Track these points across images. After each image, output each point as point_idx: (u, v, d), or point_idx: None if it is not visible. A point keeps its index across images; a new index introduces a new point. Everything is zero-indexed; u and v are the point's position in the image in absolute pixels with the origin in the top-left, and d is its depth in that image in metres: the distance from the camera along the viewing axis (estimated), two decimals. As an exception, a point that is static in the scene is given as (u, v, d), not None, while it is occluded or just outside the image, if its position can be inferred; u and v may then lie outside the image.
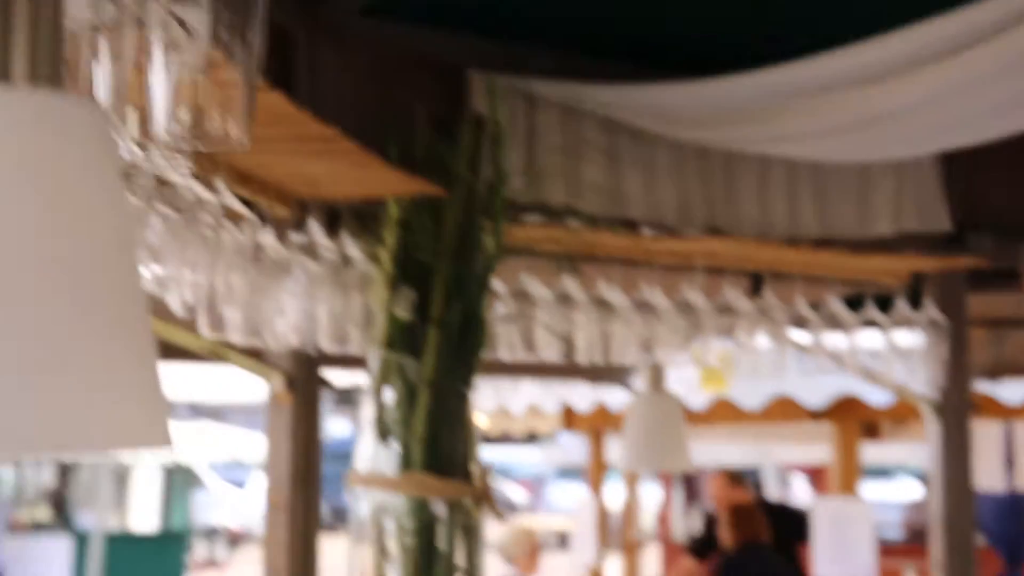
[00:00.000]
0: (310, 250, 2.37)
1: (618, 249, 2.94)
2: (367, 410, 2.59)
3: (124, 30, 1.19)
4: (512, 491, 23.89)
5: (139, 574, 11.76)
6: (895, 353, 3.39)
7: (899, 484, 20.44)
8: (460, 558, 2.58)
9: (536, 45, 2.96)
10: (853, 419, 6.21)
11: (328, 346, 2.44)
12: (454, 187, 2.54)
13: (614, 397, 6.01)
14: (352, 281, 2.47)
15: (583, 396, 6.54)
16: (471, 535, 2.60)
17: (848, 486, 6.40)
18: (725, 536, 7.34)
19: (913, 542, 10.70)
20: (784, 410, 6.11)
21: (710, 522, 7.86)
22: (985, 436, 5.98)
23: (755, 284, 3.23)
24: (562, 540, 13.74)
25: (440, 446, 2.53)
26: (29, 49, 0.88)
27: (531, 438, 24.24)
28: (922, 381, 3.50)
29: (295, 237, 2.36)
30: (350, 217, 2.51)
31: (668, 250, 2.96)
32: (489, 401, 6.83)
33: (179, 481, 15.09)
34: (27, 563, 9.11)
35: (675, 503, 15.94)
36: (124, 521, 14.52)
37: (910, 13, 2.41)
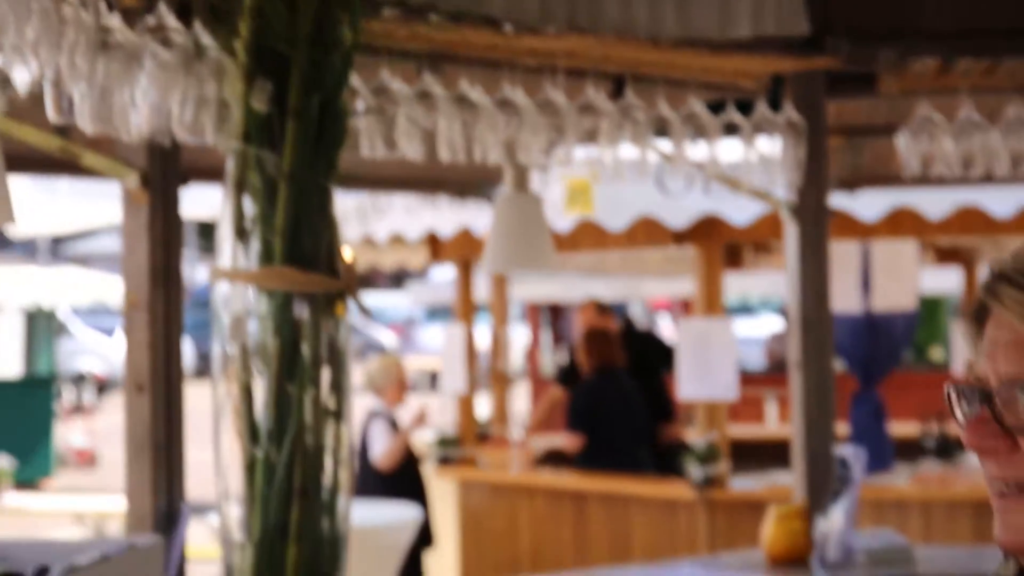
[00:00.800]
0: (161, 37, 2.30)
1: (480, 47, 2.90)
2: (227, 207, 2.55)
3: None
4: (381, 335, 23.99)
5: (6, 419, 11.62)
6: (755, 159, 3.44)
7: (762, 320, 20.96)
8: (325, 372, 2.57)
9: None
10: (716, 241, 6.30)
11: (183, 136, 2.39)
12: (309, -25, 2.47)
13: (479, 221, 6.02)
14: (206, 72, 2.40)
15: (448, 221, 6.53)
16: (336, 348, 2.59)
17: (712, 310, 6.53)
18: (581, 361, 7.48)
19: (774, 372, 11.02)
20: (648, 232, 6.18)
21: (576, 352, 7.99)
22: (842, 257, 6.12)
23: (617, 87, 3.23)
24: (433, 380, 13.86)
25: (302, 240, 2.51)
26: None
27: (399, 282, 24.30)
28: (781, 185, 3.56)
29: (145, 21, 2.29)
30: (203, 5, 2.43)
31: (529, 48, 2.94)
32: (353, 230, 6.80)
33: (42, 327, 14.85)
34: None
35: (543, 342, 16.15)
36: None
37: None
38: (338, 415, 2.56)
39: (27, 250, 20.25)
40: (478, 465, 7.53)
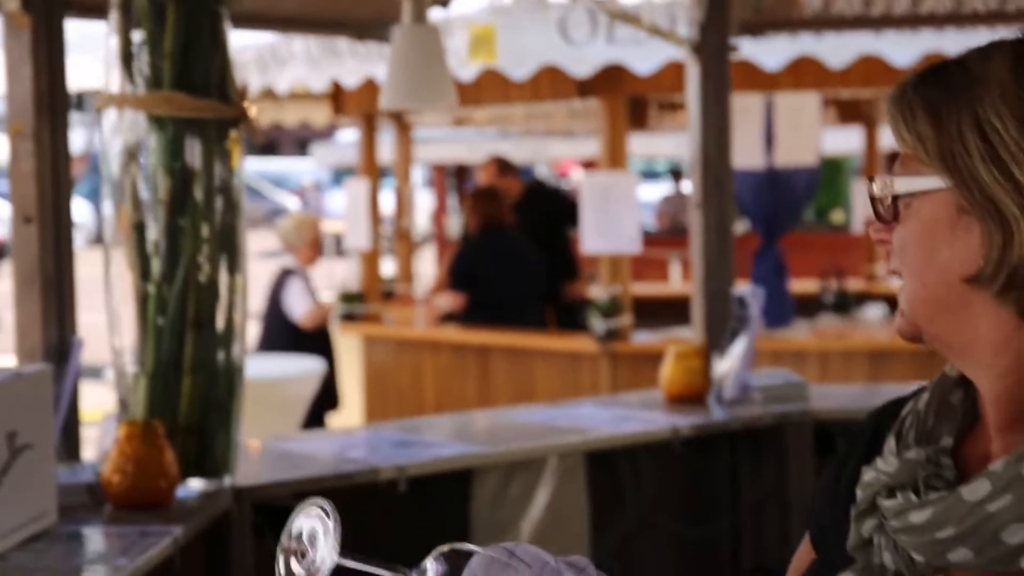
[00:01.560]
0: None
1: None
2: (113, 31, 2.46)
3: None
4: (286, 201, 23.78)
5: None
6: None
7: (667, 186, 21.03)
8: (219, 203, 2.51)
9: None
10: (620, 93, 6.27)
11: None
12: None
13: (383, 71, 5.92)
14: None
15: (351, 72, 6.42)
16: (229, 182, 2.53)
17: (616, 166, 6.52)
18: (468, 220, 7.47)
19: (677, 234, 11.08)
20: (552, 83, 6.13)
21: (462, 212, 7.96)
22: (745, 110, 6.12)
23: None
24: (339, 244, 13.78)
25: (192, 65, 2.44)
26: None
27: (303, 148, 24.02)
28: (683, 25, 3.52)
29: None
30: None
31: None
32: (254, 81, 6.66)
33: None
34: None
35: (449, 206, 16.12)
36: None
37: None
38: (232, 250, 2.52)
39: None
40: (383, 322, 7.53)
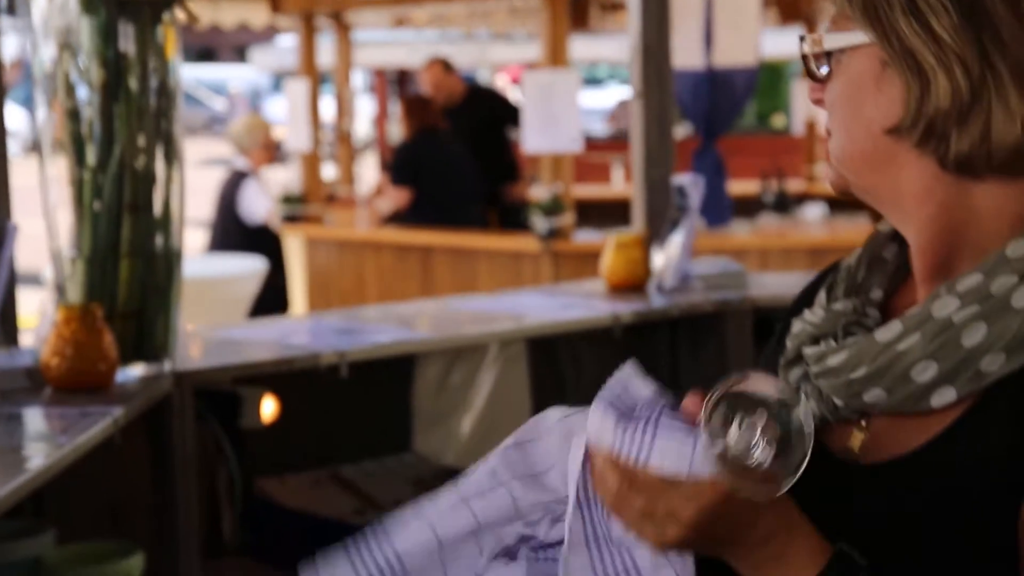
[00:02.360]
0: None
1: None
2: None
3: None
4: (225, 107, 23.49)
5: None
6: None
7: (609, 91, 21.00)
8: (153, 82, 2.48)
9: None
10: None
11: None
12: None
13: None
14: None
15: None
16: (164, 68, 2.49)
17: (557, 64, 6.49)
18: (403, 125, 7.46)
19: (619, 139, 11.07)
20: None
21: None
22: (684, 7, 6.10)
23: None
24: (280, 150, 13.65)
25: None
26: None
27: (242, 54, 23.65)
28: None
29: None
30: None
31: None
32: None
33: None
34: None
35: (391, 112, 15.99)
36: None
37: None
38: (168, 138, 2.49)
39: None
40: (324, 223, 7.50)
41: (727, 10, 6.49)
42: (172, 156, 2.49)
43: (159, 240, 2.45)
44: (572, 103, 6.43)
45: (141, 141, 2.43)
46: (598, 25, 9.40)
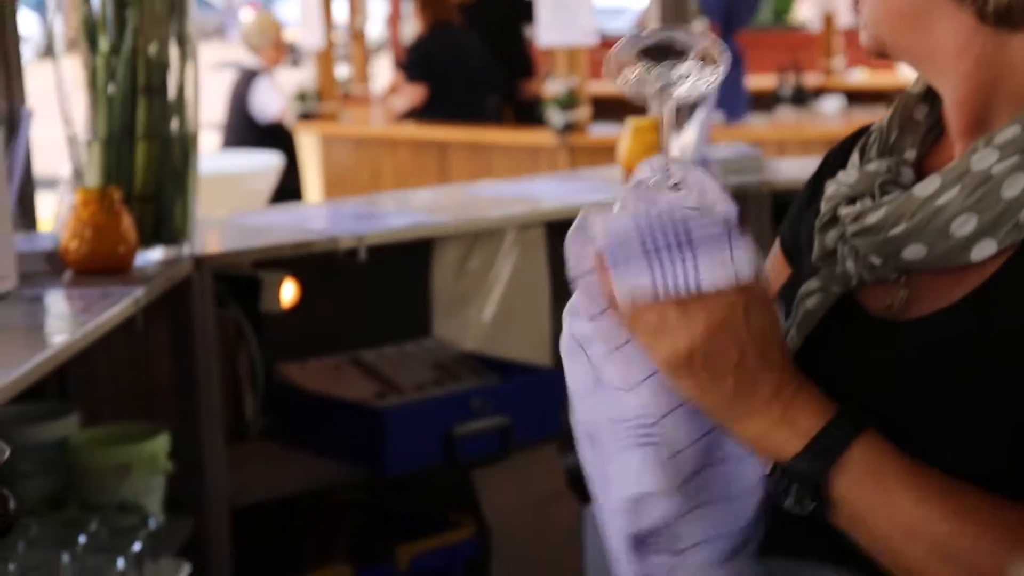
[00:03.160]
0: None
1: None
2: None
3: None
4: (239, 11, 23.31)
5: None
6: None
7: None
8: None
9: None
10: None
11: None
12: None
13: None
14: None
15: None
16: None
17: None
18: (417, 20, 7.39)
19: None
20: None
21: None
22: None
23: None
24: (293, 52, 13.57)
25: None
26: None
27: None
28: None
29: None
30: None
31: None
32: None
33: None
34: None
35: (404, 11, 15.84)
36: None
37: None
38: (181, 23, 2.47)
39: None
40: (340, 121, 7.47)
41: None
42: (185, 42, 2.48)
43: (174, 124, 2.44)
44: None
45: (153, 27, 2.42)
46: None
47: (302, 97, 7.42)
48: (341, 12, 8.69)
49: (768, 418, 1.02)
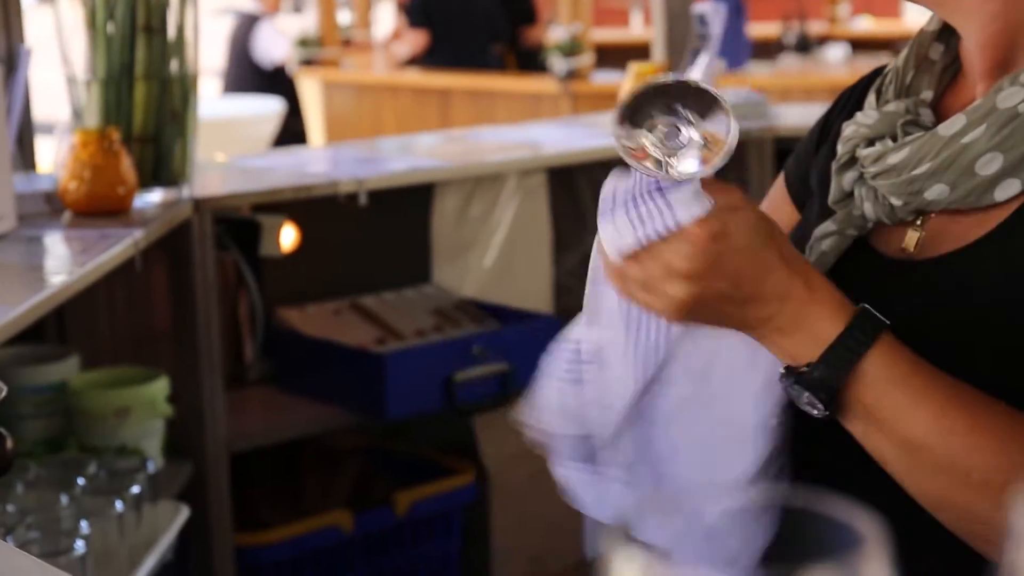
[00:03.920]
0: None
1: None
2: None
3: None
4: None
5: None
6: None
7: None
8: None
9: None
10: None
11: None
12: None
13: None
14: None
15: None
16: None
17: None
18: None
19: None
20: None
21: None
22: None
23: None
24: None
25: None
26: None
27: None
28: None
29: None
30: None
31: None
32: None
33: None
34: None
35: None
36: None
37: None
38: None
39: None
40: (341, 67, 7.42)
41: None
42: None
43: (174, 64, 2.42)
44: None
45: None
46: None
47: (304, 43, 7.37)
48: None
49: (782, 323, 1.00)
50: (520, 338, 2.82)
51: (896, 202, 1.11)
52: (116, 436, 2.30)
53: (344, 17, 9.19)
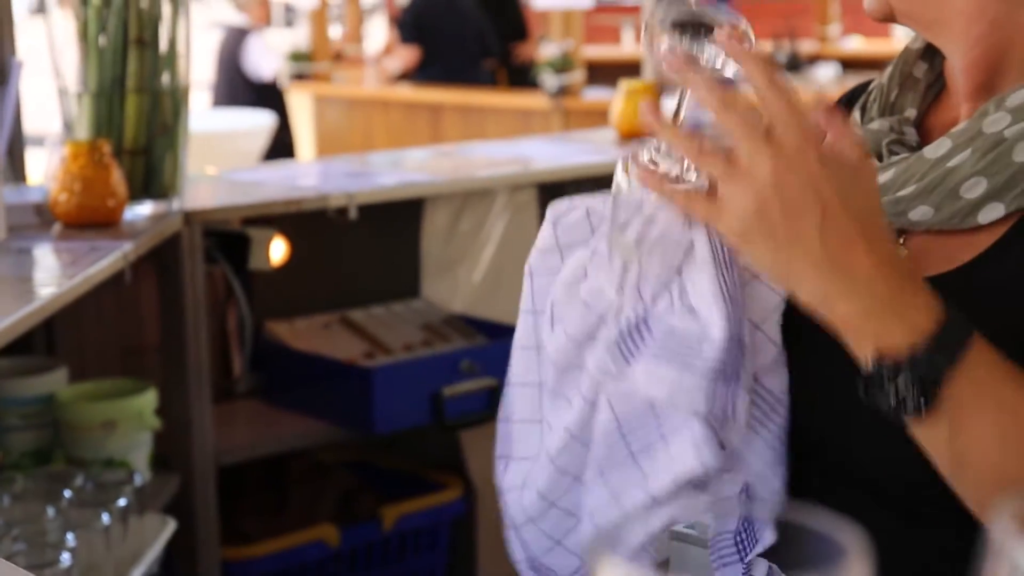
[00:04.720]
0: None
1: None
2: None
3: None
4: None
5: None
6: None
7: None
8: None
9: None
10: None
11: None
12: None
13: None
14: None
15: None
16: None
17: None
18: None
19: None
20: None
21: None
22: None
23: None
24: (287, 13, 13.49)
25: None
26: None
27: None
28: None
29: None
30: None
31: None
32: None
33: None
34: None
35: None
36: None
37: None
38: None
39: None
40: (333, 81, 7.43)
41: None
42: (177, -4, 2.46)
43: (166, 77, 2.42)
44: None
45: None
46: None
47: (295, 57, 7.38)
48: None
49: (870, 299, 0.92)
50: (509, 354, 2.82)
51: None
52: (103, 448, 2.29)
53: (336, 31, 9.21)
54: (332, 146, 7.15)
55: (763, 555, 1.02)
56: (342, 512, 2.84)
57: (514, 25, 7.85)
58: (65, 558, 1.80)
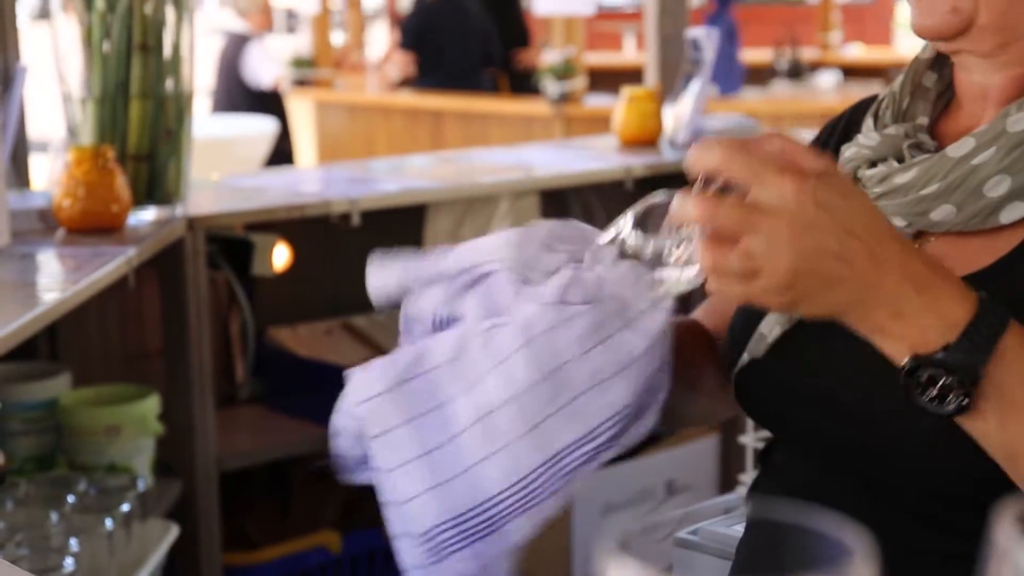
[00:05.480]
0: None
1: None
2: None
3: None
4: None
5: None
6: None
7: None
8: None
9: None
10: None
11: None
12: None
13: None
14: None
15: None
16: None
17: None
18: None
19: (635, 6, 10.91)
20: None
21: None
22: None
23: None
24: (290, 18, 13.51)
25: None
26: None
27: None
28: None
29: None
30: None
31: None
32: None
33: None
34: None
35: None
36: None
37: None
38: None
39: None
40: (334, 87, 7.44)
41: None
42: (181, 2, 2.46)
43: (169, 83, 2.43)
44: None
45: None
46: None
47: (297, 63, 7.39)
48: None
49: (901, 302, 0.90)
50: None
51: (900, 223, 1.11)
52: (106, 454, 2.30)
53: (338, 38, 9.22)
54: (334, 152, 7.15)
55: (766, 558, 1.02)
56: (344, 518, 2.84)
57: (516, 32, 7.86)
58: (68, 563, 1.81)
